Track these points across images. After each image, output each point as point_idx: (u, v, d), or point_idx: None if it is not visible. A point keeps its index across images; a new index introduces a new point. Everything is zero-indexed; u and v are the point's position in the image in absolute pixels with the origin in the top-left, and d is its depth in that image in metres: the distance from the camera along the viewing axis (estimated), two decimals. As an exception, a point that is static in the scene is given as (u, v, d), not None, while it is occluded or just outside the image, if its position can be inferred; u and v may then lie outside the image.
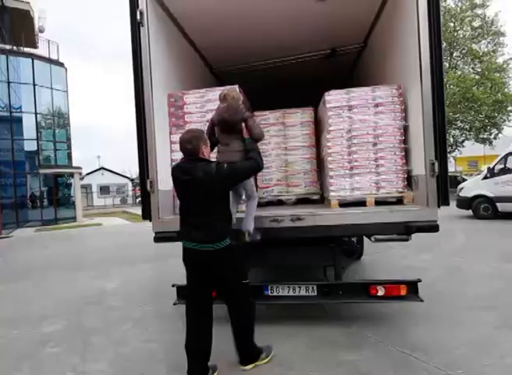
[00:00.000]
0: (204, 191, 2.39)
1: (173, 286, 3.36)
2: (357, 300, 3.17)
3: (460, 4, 20.35)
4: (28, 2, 17.57)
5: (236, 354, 2.65)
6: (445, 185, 2.81)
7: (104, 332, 3.52)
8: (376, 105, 3.35)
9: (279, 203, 4.06)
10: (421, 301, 2.93)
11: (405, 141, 3.32)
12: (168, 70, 3.71)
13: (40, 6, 19.30)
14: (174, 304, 3.32)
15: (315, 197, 4.24)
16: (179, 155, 3.58)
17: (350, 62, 5.55)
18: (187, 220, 2.48)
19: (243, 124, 2.75)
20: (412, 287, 2.99)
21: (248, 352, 2.65)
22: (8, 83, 16.86)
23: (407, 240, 2.96)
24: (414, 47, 2.95)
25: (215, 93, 3.59)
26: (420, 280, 2.98)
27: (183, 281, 3.42)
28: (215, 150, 2.93)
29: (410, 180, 3.31)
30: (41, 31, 19.63)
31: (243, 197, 3.14)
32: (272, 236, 3.11)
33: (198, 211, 2.43)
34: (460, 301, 3.77)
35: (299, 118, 4.22)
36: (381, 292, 3.00)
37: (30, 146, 18.41)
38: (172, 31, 3.92)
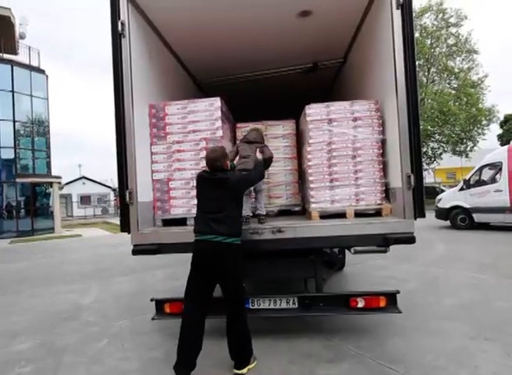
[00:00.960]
0: (226, 192, 2.76)
1: (152, 300, 3.27)
2: (338, 312, 3.17)
3: (435, 22, 21.32)
4: (8, 8, 17.28)
5: (230, 358, 2.74)
6: (421, 197, 2.88)
7: (78, 349, 3.38)
8: (355, 119, 3.43)
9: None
10: (400, 312, 2.97)
11: (383, 154, 3.41)
12: (149, 81, 3.70)
13: (23, 13, 18.97)
14: (152, 319, 3.23)
15: (297, 208, 4.28)
16: (160, 166, 3.59)
17: (330, 76, 5.69)
18: (208, 217, 2.73)
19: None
20: (391, 298, 3.02)
21: (244, 356, 2.74)
22: (-14, 89, 16.37)
23: (385, 252, 3.00)
24: (390, 64, 3.05)
25: (197, 104, 3.61)
26: (398, 292, 3.02)
27: (161, 295, 3.37)
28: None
29: (388, 193, 3.39)
30: (22, 38, 19.27)
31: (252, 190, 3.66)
32: (252, 248, 3.09)
33: (221, 208, 2.72)
34: (438, 311, 3.83)
35: (281, 130, 4.28)
36: (361, 304, 3.01)
37: (6, 154, 17.81)
38: (154, 42, 3.92)
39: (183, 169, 3.55)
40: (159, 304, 3.24)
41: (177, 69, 4.82)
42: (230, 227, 2.71)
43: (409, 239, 2.85)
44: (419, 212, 2.85)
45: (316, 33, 4.21)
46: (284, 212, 4.14)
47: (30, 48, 19.27)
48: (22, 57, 19.08)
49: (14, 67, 17.84)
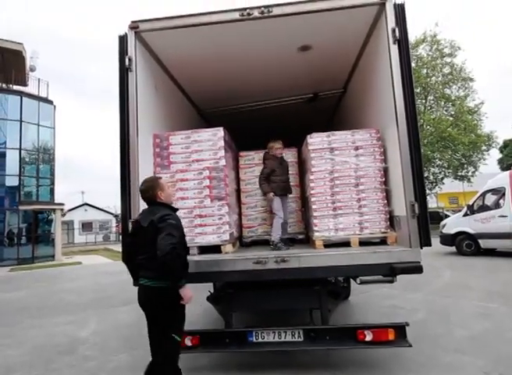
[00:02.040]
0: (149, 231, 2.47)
1: (152, 333, 3.16)
2: (345, 346, 3.05)
3: (430, 53, 22.09)
4: (21, 43, 18.11)
5: None
6: (426, 226, 2.84)
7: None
8: (356, 148, 3.48)
9: (264, 243, 4.01)
10: (410, 346, 2.85)
11: (386, 183, 3.41)
12: (154, 112, 3.79)
13: (34, 47, 19.90)
14: (152, 353, 3.10)
15: (300, 236, 4.25)
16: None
17: (331, 106, 5.82)
18: (139, 258, 2.54)
19: None
20: (400, 331, 2.91)
21: None
22: (-5, 119, 16.83)
23: (392, 281, 2.92)
24: (389, 94, 3.13)
25: (201, 134, 3.67)
26: (408, 324, 2.91)
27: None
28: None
29: (392, 220, 3.36)
30: (32, 70, 20.06)
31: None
32: (256, 278, 3.03)
33: (146, 250, 2.46)
34: (449, 343, 3.68)
35: (283, 158, 4.32)
36: (369, 337, 2.90)
37: (11, 181, 18.01)
38: (160, 76, 4.06)
39: (186, 198, 3.55)
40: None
41: (181, 100, 4.96)
42: (154, 270, 2.39)
43: (416, 268, 2.79)
44: (425, 241, 2.81)
45: (316, 65, 4.36)
46: (288, 240, 4.09)
47: (39, 79, 20.01)
48: (31, 88, 19.78)
49: (23, 98, 18.47)
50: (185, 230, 3.47)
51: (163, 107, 4.07)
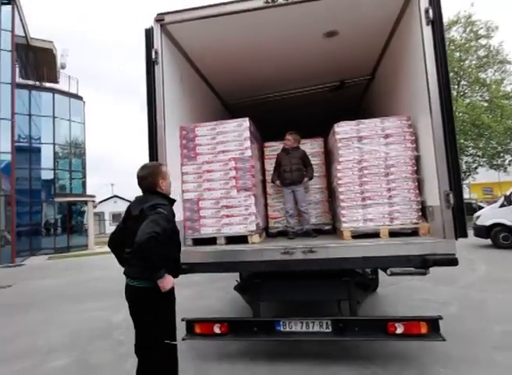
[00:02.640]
0: (138, 223, 2.17)
1: (183, 320, 3.26)
2: (375, 338, 3.00)
3: (464, 35, 20.85)
4: (51, 42, 18.81)
5: None
6: (461, 216, 2.72)
7: (110, 368, 3.41)
8: (386, 136, 3.35)
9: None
10: (444, 340, 2.76)
11: (417, 172, 3.28)
12: (180, 104, 3.83)
13: (64, 45, 20.64)
14: (183, 339, 3.20)
15: (327, 227, 4.20)
16: (190, 186, 3.65)
17: (358, 94, 5.65)
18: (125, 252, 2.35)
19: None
20: (433, 324, 2.82)
21: None
22: (30, 115, 17.70)
23: (424, 274, 2.83)
24: (422, 79, 2.98)
25: (226, 125, 3.68)
26: (441, 318, 2.81)
27: (189, 314, 3.34)
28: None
29: (424, 211, 3.24)
30: (63, 68, 20.86)
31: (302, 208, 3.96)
32: (283, 268, 3.03)
33: (131, 244, 2.16)
34: (487, 339, 3.54)
35: (308, 148, 4.26)
36: (400, 330, 2.84)
37: (46, 175, 19.00)
38: (185, 67, 4.08)
39: (212, 189, 3.59)
40: (190, 324, 3.23)
41: (206, 92, 4.98)
42: (135, 268, 2.22)
43: (450, 261, 2.67)
44: (460, 232, 2.68)
45: (343, 52, 4.23)
46: (314, 231, 4.05)
47: (69, 76, 20.77)
48: (62, 85, 20.58)
49: (55, 94, 19.26)
50: (212, 220, 3.57)
51: (188, 99, 4.10)
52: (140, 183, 2.39)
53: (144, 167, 2.42)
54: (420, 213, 3.24)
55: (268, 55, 4.25)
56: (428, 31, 2.89)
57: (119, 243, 2.41)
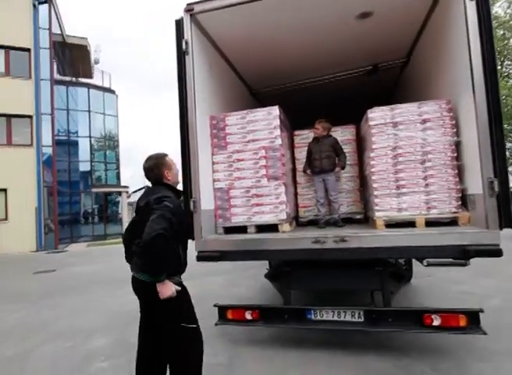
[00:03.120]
0: (143, 216, 2.17)
1: (215, 306, 3.35)
2: (409, 329, 2.92)
3: (509, 11, 19.23)
4: (85, 38, 19.51)
5: None
6: (507, 205, 2.55)
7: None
8: (424, 121, 3.20)
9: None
10: (484, 334, 2.64)
11: (458, 158, 3.11)
12: (210, 94, 3.85)
13: (96, 41, 21.41)
14: (215, 324, 3.30)
15: (358, 216, 4.12)
16: (220, 175, 3.69)
17: (392, 78, 5.40)
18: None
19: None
20: (473, 317, 2.70)
21: None
22: (67, 110, 18.60)
23: (464, 265, 2.71)
24: (464, 59, 2.79)
25: (256, 114, 3.66)
26: (482, 310, 2.69)
27: (221, 301, 3.43)
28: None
29: (464, 200, 3.08)
30: (96, 63, 21.65)
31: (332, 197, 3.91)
32: (314, 258, 3.01)
33: (138, 235, 2.15)
34: (531, 334, 3.35)
35: (339, 136, 4.17)
36: (436, 322, 2.75)
37: (84, 167, 20.02)
38: (214, 56, 4.09)
39: (242, 178, 3.61)
40: (222, 310, 3.31)
41: (234, 80, 4.97)
42: (138, 262, 2.17)
43: (493, 252, 2.53)
44: (506, 222, 2.52)
45: (377, 34, 4.04)
46: (345, 220, 3.99)
47: (103, 71, 21.52)
48: (96, 80, 21.39)
49: (90, 89, 20.08)
50: (242, 209, 3.60)
51: (218, 89, 4.11)
52: (146, 175, 2.37)
53: (148, 159, 2.37)
54: (459, 202, 3.08)
55: (298, 41, 4.15)
56: (471, 6, 2.69)
57: (128, 236, 2.43)
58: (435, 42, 3.62)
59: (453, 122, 3.13)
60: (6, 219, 13.65)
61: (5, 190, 13.65)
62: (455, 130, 3.12)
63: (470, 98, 2.73)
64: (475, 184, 2.76)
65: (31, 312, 5.20)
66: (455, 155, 3.10)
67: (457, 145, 3.12)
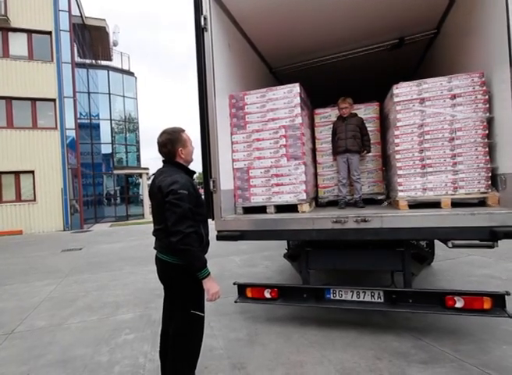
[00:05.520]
0: (158, 198, 2.11)
1: (234, 284, 3.42)
2: (430, 311, 2.89)
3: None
4: (104, 19, 19.47)
5: None
6: (541, 185, 2.42)
7: (170, 324, 3.71)
8: (453, 97, 3.03)
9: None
10: (510, 317, 2.58)
11: (489, 136, 2.95)
12: (229, 72, 3.78)
13: (115, 22, 21.35)
14: (235, 302, 3.37)
15: (380, 197, 4.03)
16: (240, 155, 3.67)
17: (419, 52, 5.12)
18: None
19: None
20: (498, 300, 2.64)
21: None
22: (89, 93, 18.86)
23: (492, 247, 2.62)
24: (501, 28, 2.60)
25: (276, 92, 3.58)
26: (508, 293, 2.62)
27: (239, 279, 3.49)
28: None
29: (494, 179, 2.94)
30: (115, 45, 21.64)
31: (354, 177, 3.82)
32: (335, 238, 2.99)
33: (159, 219, 2.16)
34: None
35: (362, 114, 4.03)
36: (459, 304, 2.70)
37: (106, 149, 20.44)
38: (232, 33, 3.98)
39: (262, 158, 3.58)
40: (241, 288, 3.37)
41: (253, 58, 4.85)
42: (162, 243, 2.14)
43: (524, 234, 2.43)
44: (539, 202, 2.40)
45: (404, 3, 3.80)
46: (366, 201, 3.91)
47: (121, 53, 21.53)
48: (115, 62, 21.46)
49: (110, 72, 20.19)
50: (262, 189, 3.59)
51: (237, 67, 4.03)
52: (159, 151, 2.22)
53: (163, 133, 2.20)
54: (489, 182, 2.94)
55: (318, 15, 3.97)
56: (512, -30, 2.47)
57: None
58: (469, 10, 3.37)
59: (486, 97, 2.95)
60: (34, 200, 14.26)
61: (32, 172, 14.20)
62: (487, 105, 2.94)
63: (505, 72, 2.56)
64: (507, 163, 2.63)
65: (61, 287, 5.48)
66: (486, 132, 2.94)
67: (489, 122, 2.96)
